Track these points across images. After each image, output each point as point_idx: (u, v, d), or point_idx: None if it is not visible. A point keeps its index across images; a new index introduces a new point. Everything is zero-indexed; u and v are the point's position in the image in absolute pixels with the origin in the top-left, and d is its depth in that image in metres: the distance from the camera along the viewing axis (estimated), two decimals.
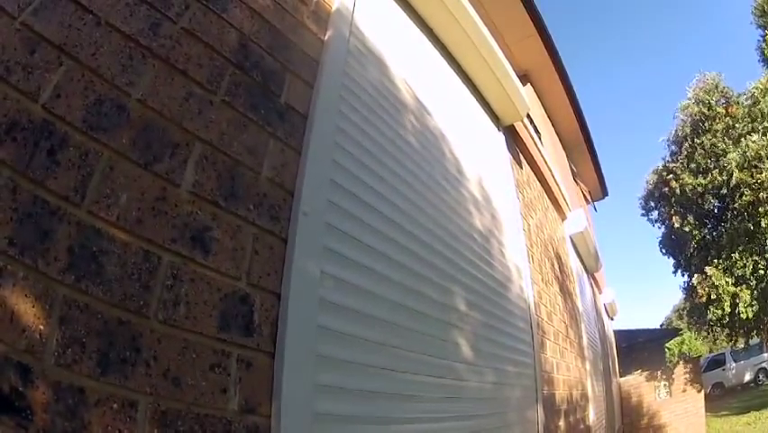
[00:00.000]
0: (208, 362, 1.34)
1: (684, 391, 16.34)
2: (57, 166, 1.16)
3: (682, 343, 25.77)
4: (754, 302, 16.35)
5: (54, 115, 1.19)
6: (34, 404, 0.99)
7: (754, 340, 21.31)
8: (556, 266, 6.19)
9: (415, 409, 2.36)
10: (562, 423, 5.21)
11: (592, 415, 7.35)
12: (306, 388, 1.63)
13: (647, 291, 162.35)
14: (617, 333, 17.16)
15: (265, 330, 1.54)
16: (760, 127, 16.32)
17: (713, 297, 16.98)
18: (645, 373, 17.19)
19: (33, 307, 1.05)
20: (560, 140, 9.70)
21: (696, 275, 18.01)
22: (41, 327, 1.05)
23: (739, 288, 16.47)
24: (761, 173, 15.53)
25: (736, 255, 16.53)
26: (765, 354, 25.82)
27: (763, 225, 15.65)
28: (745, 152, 16.02)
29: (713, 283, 16.88)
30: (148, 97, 1.43)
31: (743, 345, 20.62)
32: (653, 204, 20.49)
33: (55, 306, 1.08)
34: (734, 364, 26.30)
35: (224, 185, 1.57)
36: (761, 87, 16.77)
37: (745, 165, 16.08)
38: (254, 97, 1.81)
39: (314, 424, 1.62)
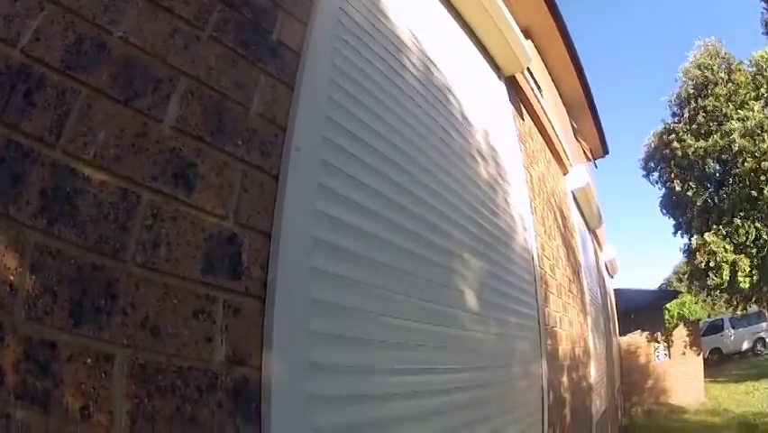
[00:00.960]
0: (191, 308, 1.26)
1: (683, 353, 16.53)
2: (33, 108, 1.11)
3: (682, 305, 25.82)
4: (754, 271, 16.42)
5: (32, 58, 1.14)
6: (4, 364, 0.95)
7: (753, 308, 21.39)
8: (558, 220, 6.15)
9: (415, 359, 2.29)
10: (565, 379, 5.22)
11: (594, 372, 7.39)
12: (300, 335, 1.56)
13: (647, 252, 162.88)
14: (617, 292, 17.14)
15: (254, 273, 1.45)
16: (765, 94, 16.25)
17: (712, 264, 17.03)
18: (645, 334, 17.27)
19: (3, 256, 1.00)
20: (560, 96, 9.57)
21: (695, 237, 18.03)
22: (12, 279, 1.00)
23: (738, 256, 16.51)
24: (764, 142, 15.49)
25: (738, 221, 16.55)
26: (764, 324, 26.06)
27: (765, 192, 15.63)
28: (746, 121, 15.96)
29: (712, 250, 16.92)
30: (131, 35, 1.35)
31: (741, 312, 20.72)
32: (653, 165, 20.49)
33: (26, 254, 1.03)
34: (732, 331, 26.52)
35: (211, 120, 1.48)
36: (765, 56, 16.71)
37: (748, 133, 16.03)
38: (244, 34, 1.72)
39: (308, 375, 1.56)
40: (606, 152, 11.64)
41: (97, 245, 1.12)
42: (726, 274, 16.85)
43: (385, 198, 2.25)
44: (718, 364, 24.60)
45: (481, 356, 3.06)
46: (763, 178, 15.92)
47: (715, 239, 17.07)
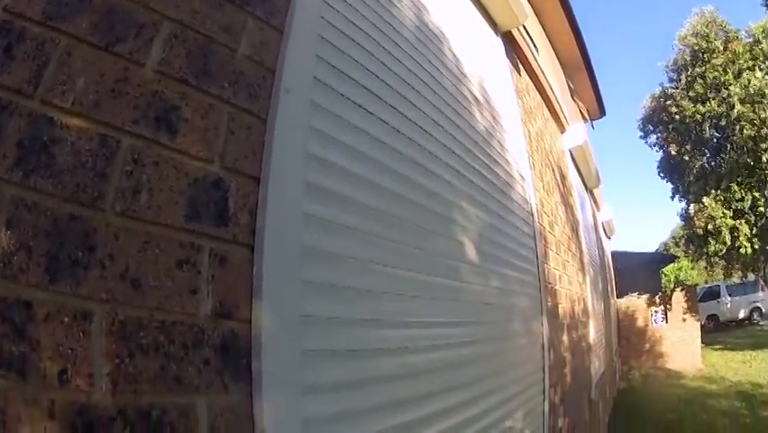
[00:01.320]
0: (174, 258, 1.19)
1: (681, 319, 16.50)
2: (12, 61, 1.07)
3: (679, 270, 25.91)
4: (754, 239, 16.43)
5: (13, 14, 1.10)
6: None
7: (750, 277, 21.46)
8: (557, 176, 6.10)
9: (410, 311, 2.23)
10: (565, 338, 5.24)
11: (593, 333, 7.43)
12: (291, 285, 1.49)
13: (644, 216, 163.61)
14: (614, 254, 17.20)
15: (242, 219, 1.39)
16: (763, 66, 16.21)
17: (710, 228, 17.05)
18: (643, 297, 17.29)
19: None
20: (557, 57, 9.47)
21: (693, 204, 18.05)
22: None
23: (739, 221, 16.52)
24: (764, 110, 15.45)
25: (735, 187, 16.53)
26: (761, 294, 26.20)
27: (764, 160, 15.61)
28: (747, 87, 15.90)
29: (711, 215, 16.93)
30: None
31: (738, 280, 20.77)
32: (651, 127, 20.47)
33: (1, 209, 0.98)
34: (729, 299, 26.64)
35: (195, 63, 1.41)
36: (762, 27, 16.66)
37: (747, 100, 15.98)
38: None
39: (300, 327, 1.50)
40: (603, 113, 11.55)
41: (75, 195, 1.06)
42: (727, 239, 16.88)
43: (379, 143, 2.17)
44: (715, 331, 24.78)
45: (480, 311, 3.02)
46: (762, 146, 15.91)
47: (714, 204, 17.07)
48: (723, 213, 16.89)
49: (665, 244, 59.41)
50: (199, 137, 1.33)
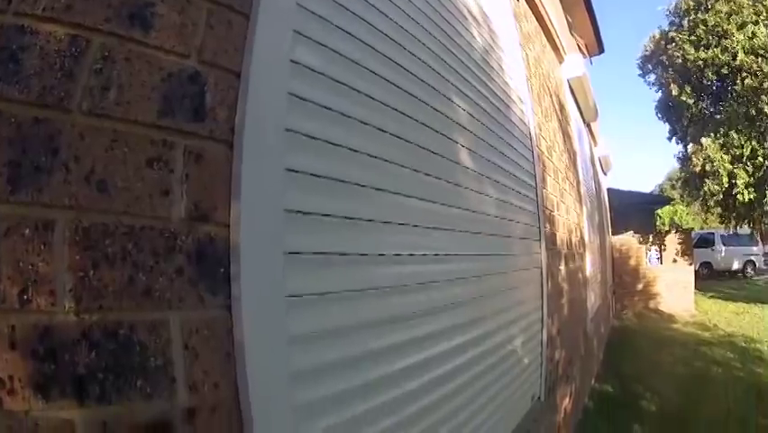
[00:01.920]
0: (144, 156, 1.11)
1: (675, 261, 16.64)
2: None
3: (674, 213, 25.98)
4: (751, 189, 16.40)
5: None
6: None
7: (745, 229, 21.47)
8: (555, 104, 6.04)
9: (399, 232, 2.15)
10: (562, 267, 5.27)
11: (589, 266, 7.50)
12: (273, 183, 1.41)
13: (640, 157, 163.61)
14: (610, 192, 17.23)
15: (220, 114, 1.30)
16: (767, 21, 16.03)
17: (708, 169, 17.01)
18: (637, 236, 17.36)
19: None
20: None
21: (691, 145, 17.98)
22: None
23: (737, 166, 16.47)
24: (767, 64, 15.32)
25: (734, 135, 16.45)
26: (755, 248, 26.35)
27: (766, 111, 15.50)
28: (752, 39, 15.73)
29: (709, 156, 16.88)
30: None
31: (733, 230, 20.79)
32: (650, 67, 20.29)
33: None
34: (723, 248, 26.73)
35: None
36: None
37: (751, 50, 15.81)
38: None
39: (284, 229, 1.42)
40: (601, 49, 11.38)
41: (40, 98, 0.99)
42: (724, 181, 16.86)
43: (370, 49, 2.04)
44: (708, 279, 25.00)
45: (479, 235, 3.00)
46: (764, 98, 15.80)
47: (711, 144, 17.01)
48: (721, 157, 16.84)
49: (661, 186, 59.49)
50: (175, 32, 1.24)
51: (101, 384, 1.00)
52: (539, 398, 4.19)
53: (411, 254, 2.19)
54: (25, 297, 0.92)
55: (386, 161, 2.05)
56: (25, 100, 0.97)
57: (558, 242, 5.19)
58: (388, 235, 2.04)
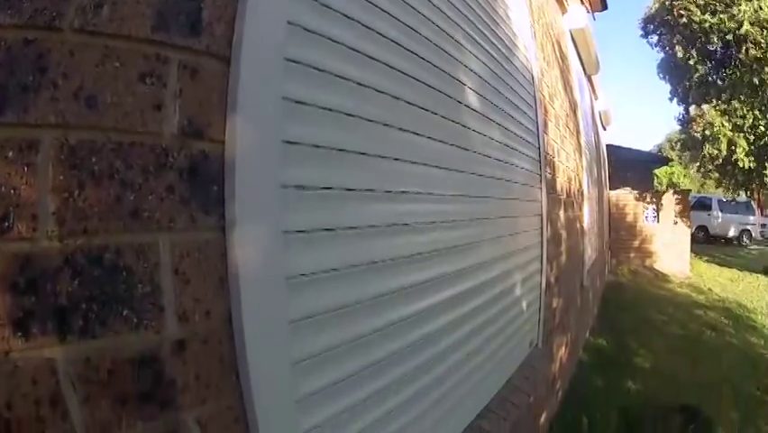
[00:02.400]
0: (136, 71, 1.06)
1: (673, 222, 16.59)
2: None
3: (672, 174, 26.01)
4: (751, 157, 16.34)
5: None
6: None
7: (743, 198, 21.43)
8: (557, 52, 6.00)
9: (398, 168, 2.11)
10: (561, 214, 5.31)
11: (586, 217, 7.54)
12: (272, 102, 1.36)
13: (640, 113, 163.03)
14: (609, 147, 17.21)
15: (218, 29, 1.24)
16: None
17: (708, 133, 16.96)
18: (635, 193, 17.34)
19: None
20: None
21: (693, 107, 17.87)
22: None
23: (737, 134, 16.40)
24: None
25: (737, 104, 16.35)
26: (752, 217, 26.35)
27: None
28: (758, 11, 15.53)
29: (710, 122, 16.81)
30: None
31: (730, 197, 20.72)
32: (653, 27, 20.06)
33: None
34: (720, 214, 26.70)
35: None
36: None
37: (757, 23, 15.63)
38: None
39: (281, 150, 1.38)
40: (604, 6, 11.26)
41: (31, 20, 0.95)
42: (724, 147, 16.81)
43: None
44: (704, 243, 25.13)
45: (482, 176, 3.01)
46: (767, 69, 15.65)
47: (713, 111, 16.93)
48: (722, 123, 16.77)
49: (659, 146, 59.21)
50: None
51: (84, 316, 0.96)
52: (537, 345, 4.26)
53: (404, 191, 2.13)
54: (6, 224, 0.88)
55: (392, 96, 2.02)
56: (16, 24, 0.93)
57: (558, 188, 5.21)
58: (386, 170, 2.00)
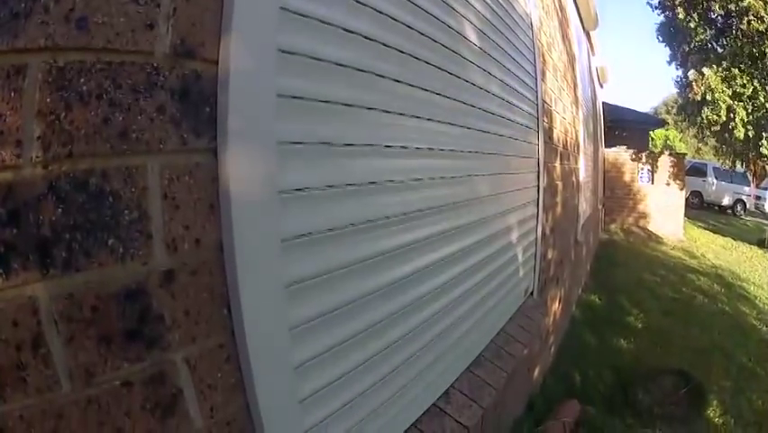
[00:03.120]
0: None
1: (667, 183, 16.57)
2: None
3: (666, 138, 26.00)
4: (749, 127, 16.32)
5: None
6: None
7: (738, 168, 21.42)
8: (556, 2, 5.95)
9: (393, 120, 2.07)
10: (557, 165, 5.34)
11: (582, 171, 7.57)
12: (267, 19, 1.32)
13: (638, 76, 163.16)
14: (605, 105, 17.18)
15: None
16: None
17: (708, 98, 16.90)
18: (630, 152, 17.32)
19: None
20: None
21: (692, 72, 17.79)
22: None
23: (736, 102, 16.36)
24: None
25: (737, 72, 16.28)
26: (747, 188, 26.29)
27: None
28: None
29: (710, 85, 16.73)
30: None
31: (728, 164, 20.67)
32: None
33: None
34: (715, 181, 26.70)
35: None
36: None
37: None
38: None
39: (277, 64, 1.34)
40: None
41: None
42: (723, 113, 16.78)
43: None
44: (698, 209, 25.23)
45: (479, 128, 2.98)
46: None
47: (713, 75, 16.86)
48: (722, 89, 16.72)
49: (656, 108, 59.16)
50: None
51: (68, 247, 0.93)
52: (531, 293, 4.28)
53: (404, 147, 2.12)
54: None
55: (384, 44, 1.95)
56: None
57: (555, 138, 5.22)
58: (381, 123, 1.96)
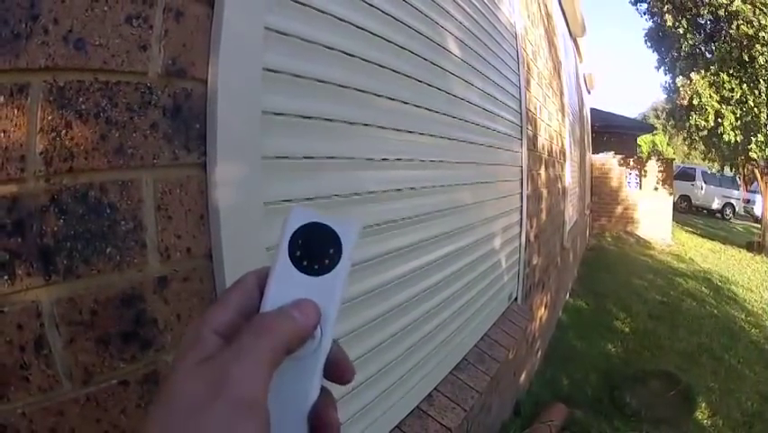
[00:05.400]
0: (124, 14, 1.07)
1: (655, 188, 16.68)
2: None
3: (653, 143, 26.07)
4: (737, 132, 16.39)
5: None
6: None
7: (727, 173, 21.46)
8: (542, 11, 6.00)
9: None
10: (542, 172, 5.38)
11: (568, 177, 7.62)
12: (253, 42, 1.38)
13: (625, 82, 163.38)
14: (592, 111, 17.23)
15: None
16: None
17: (695, 104, 16.97)
18: (618, 158, 17.40)
19: None
20: None
21: (680, 77, 17.86)
22: None
23: (724, 107, 16.43)
24: (765, 17, 15.12)
25: (725, 76, 16.35)
26: (736, 192, 26.43)
27: (759, 61, 15.38)
28: None
29: (697, 91, 16.81)
30: None
31: (717, 169, 20.70)
32: None
33: None
34: (704, 185, 26.83)
35: None
36: None
37: (749, 1, 15.58)
38: None
39: (262, 85, 1.40)
40: None
41: None
42: (710, 118, 16.84)
43: None
44: (687, 213, 25.38)
45: (462, 115, 3.05)
46: (758, 47, 15.64)
47: (701, 80, 16.93)
48: (710, 94, 16.77)
49: (644, 114, 59.12)
50: None
51: (69, 255, 0.98)
52: (516, 299, 4.34)
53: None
54: None
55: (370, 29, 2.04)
56: None
57: (539, 146, 5.28)
58: (363, 136, 2.04)
